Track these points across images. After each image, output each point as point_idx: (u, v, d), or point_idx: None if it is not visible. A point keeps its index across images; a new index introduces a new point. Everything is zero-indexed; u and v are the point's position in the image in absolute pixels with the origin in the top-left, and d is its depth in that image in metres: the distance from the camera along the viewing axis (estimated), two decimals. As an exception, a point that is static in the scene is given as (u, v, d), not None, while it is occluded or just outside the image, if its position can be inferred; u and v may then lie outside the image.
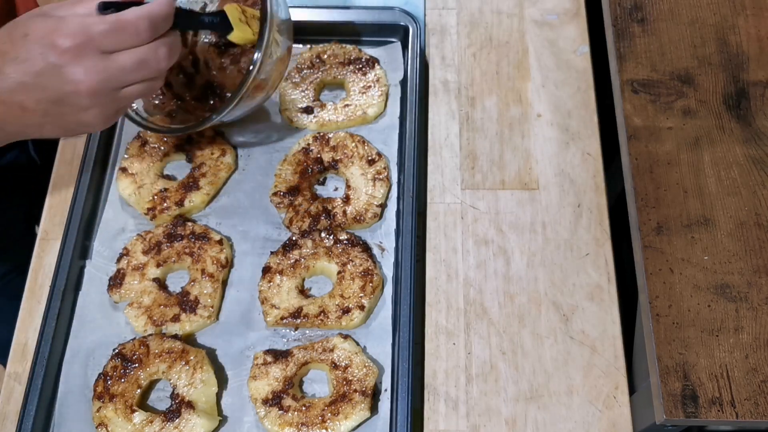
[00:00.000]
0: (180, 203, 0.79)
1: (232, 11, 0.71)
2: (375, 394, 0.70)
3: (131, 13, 0.60)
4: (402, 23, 0.88)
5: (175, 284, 0.78)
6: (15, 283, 0.79)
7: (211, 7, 0.80)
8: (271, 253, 0.77)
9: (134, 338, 0.74)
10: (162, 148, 0.83)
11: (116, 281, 0.76)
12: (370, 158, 0.81)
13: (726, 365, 0.68)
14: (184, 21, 0.68)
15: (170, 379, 0.71)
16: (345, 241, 0.76)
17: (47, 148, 0.91)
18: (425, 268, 0.78)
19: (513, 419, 0.71)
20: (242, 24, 0.71)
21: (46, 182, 0.86)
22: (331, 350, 0.71)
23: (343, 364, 0.70)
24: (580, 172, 0.83)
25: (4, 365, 0.76)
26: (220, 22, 0.71)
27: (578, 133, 0.86)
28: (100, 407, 0.70)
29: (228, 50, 0.80)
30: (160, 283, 0.77)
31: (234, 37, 0.71)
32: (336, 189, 0.82)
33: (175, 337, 0.73)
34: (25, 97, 0.59)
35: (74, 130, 0.64)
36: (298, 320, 0.73)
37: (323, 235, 0.77)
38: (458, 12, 0.94)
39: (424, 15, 0.94)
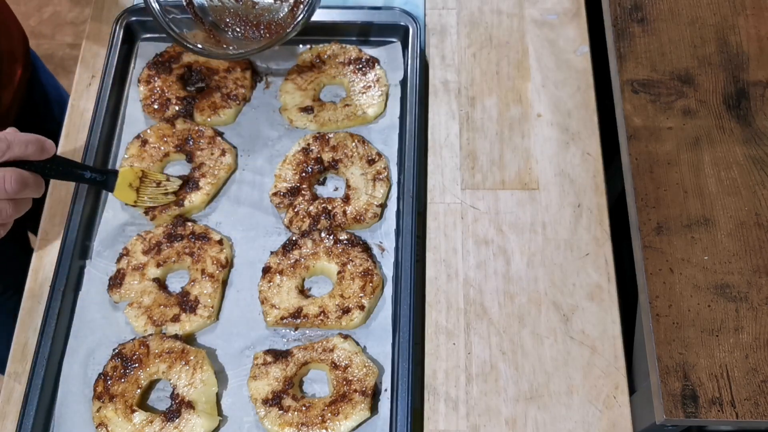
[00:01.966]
0: (180, 203, 0.79)
1: (126, 174, 0.76)
2: (375, 394, 0.70)
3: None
4: (402, 23, 0.88)
5: (175, 284, 0.78)
6: (13, 300, 0.79)
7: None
8: (271, 253, 0.77)
9: (134, 338, 0.74)
10: (162, 148, 0.83)
11: (116, 281, 0.76)
12: (370, 158, 0.81)
13: (726, 365, 0.68)
14: (58, 169, 0.70)
15: (170, 379, 0.71)
16: (345, 241, 0.76)
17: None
18: (425, 268, 0.78)
19: (513, 419, 0.71)
20: (128, 189, 0.76)
21: (45, 182, 0.86)
22: (331, 350, 0.71)
23: (343, 364, 0.70)
24: (580, 172, 0.83)
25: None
26: (102, 180, 0.75)
27: (578, 133, 0.86)
28: (100, 407, 0.70)
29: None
30: (160, 283, 0.77)
31: (116, 195, 0.76)
32: (336, 189, 0.82)
33: (175, 337, 0.73)
34: None
35: None
36: (298, 320, 0.73)
37: (323, 235, 0.77)
38: (458, 12, 0.94)
39: (424, 15, 0.94)
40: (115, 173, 0.76)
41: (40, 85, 1.04)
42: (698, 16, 0.88)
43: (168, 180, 0.79)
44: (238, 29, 0.84)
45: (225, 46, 0.82)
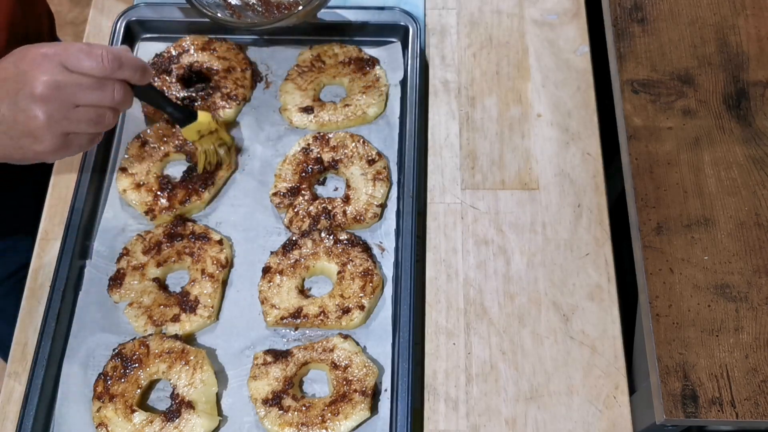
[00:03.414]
0: (180, 203, 0.79)
1: (204, 117, 0.77)
2: (375, 394, 0.70)
3: (101, 46, 0.65)
4: (402, 23, 0.88)
5: (175, 284, 0.78)
6: (23, 283, 0.80)
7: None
8: (271, 253, 0.77)
9: (134, 338, 0.74)
10: (162, 148, 0.83)
11: (116, 281, 0.76)
12: (370, 158, 0.81)
13: (726, 365, 0.68)
14: (149, 94, 0.73)
15: (170, 379, 0.71)
16: (345, 241, 0.76)
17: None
18: (425, 268, 0.78)
19: (513, 419, 0.71)
20: (196, 133, 0.77)
21: (46, 182, 0.86)
22: (331, 350, 0.71)
23: (343, 364, 0.70)
24: (580, 172, 0.83)
25: None
26: (180, 117, 0.76)
27: (578, 133, 0.86)
28: (100, 407, 0.70)
29: None
30: (160, 283, 0.77)
31: (184, 132, 0.77)
32: (336, 189, 0.82)
33: (175, 337, 0.73)
34: None
35: (22, 142, 0.65)
36: (298, 320, 0.73)
37: (323, 235, 0.77)
38: (458, 12, 0.94)
39: (424, 15, 0.94)
40: (195, 116, 0.77)
41: None
42: (698, 16, 0.88)
43: (228, 149, 0.81)
44: (260, 8, 0.86)
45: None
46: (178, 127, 0.78)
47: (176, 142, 0.83)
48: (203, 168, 0.80)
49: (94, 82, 0.65)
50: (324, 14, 0.89)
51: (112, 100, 0.67)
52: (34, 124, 0.64)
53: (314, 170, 0.81)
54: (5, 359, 0.78)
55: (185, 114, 0.76)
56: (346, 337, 0.72)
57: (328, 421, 0.68)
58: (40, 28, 0.95)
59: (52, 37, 0.98)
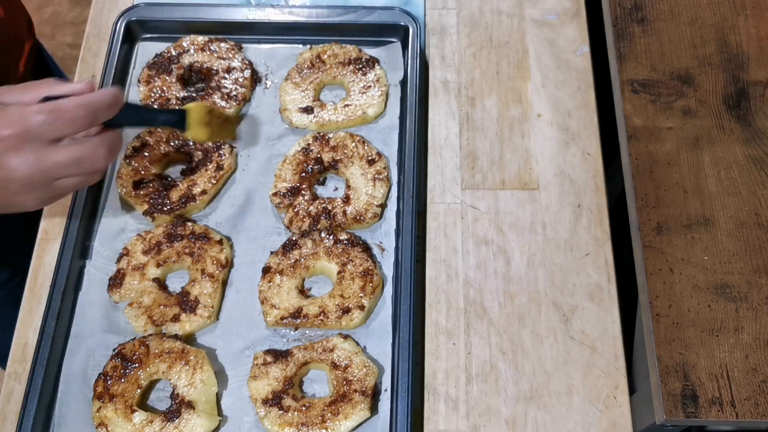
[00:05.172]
0: (180, 203, 0.79)
1: (196, 111, 0.75)
2: (375, 394, 0.70)
3: (70, 101, 0.62)
4: (402, 23, 0.88)
5: (175, 284, 0.78)
6: (22, 288, 0.80)
7: None
8: (271, 253, 0.77)
9: (134, 338, 0.74)
10: (162, 148, 0.83)
11: (116, 281, 0.76)
12: (370, 158, 0.81)
13: (726, 365, 0.68)
14: (132, 117, 0.71)
15: (170, 379, 0.71)
16: (345, 241, 0.76)
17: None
18: (425, 268, 0.78)
19: (513, 419, 0.71)
20: (200, 125, 0.76)
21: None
22: (331, 350, 0.71)
23: (343, 364, 0.70)
24: (580, 172, 0.83)
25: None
26: (175, 121, 0.75)
27: (578, 133, 0.86)
28: (100, 407, 0.70)
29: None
30: (160, 283, 0.77)
31: (189, 135, 0.76)
32: (336, 189, 0.82)
33: (175, 337, 0.73)
34: None
35: (8, 208, 0.66)
36: (298, 320, 0.73)
37: (323, 235, 0.77)
38: (458, 12, 0.94)
39: (424, 15, 0.94)
40: (184, 113, 0.75)
41: (48, 72, 1.06)
42: (698, 16, 0.88)
43: (228, 116, 0.83)
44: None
45: None
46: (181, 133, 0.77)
47: (176, 142, 0.83)
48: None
49: (71, 160, 0.63)
50: (324, 14, 0.89)
51: (93, 169, 0.66)
52: (21, 202, 0.65)
53: (314, 170, 0.81)
54: (3, 366, 0.78)
55: (178, 115, 0.75)
56: (346, 337, 0.72)
57: (328, 421, 0.68)
58: (17, 31, 0.95)
59: (32, 40, 0.98)
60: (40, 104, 0.62)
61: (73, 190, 0.67)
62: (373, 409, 0.70)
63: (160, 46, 0.90)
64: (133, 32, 0.90)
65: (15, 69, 0.93)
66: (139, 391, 0.71)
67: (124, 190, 0.80)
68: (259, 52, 0.90)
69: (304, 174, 0.81)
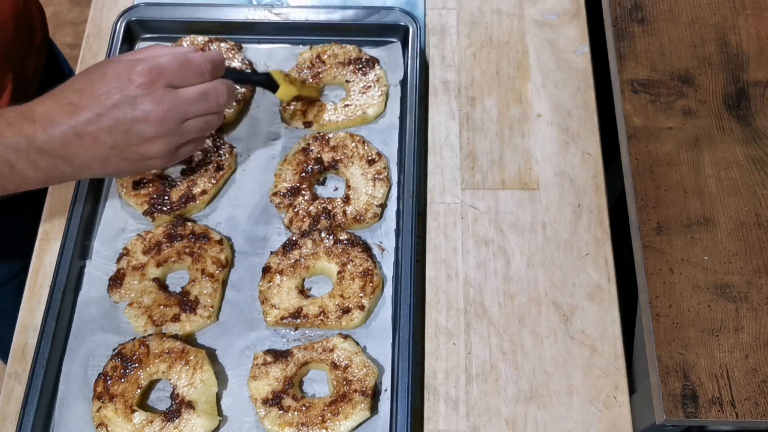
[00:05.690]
0: (180, 203, 0.79)
1: (277, 74, 0.80)
2: (375, 394, 0.70)
3: (198, 55, 0.69)
4: (402, 23, 0.88)
5: (175, 284, 0.78)
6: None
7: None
8: (271, 253, 0.77)
9: (134, 338, 0.74)
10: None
11: (116, 281, 0.76)
12: (370, 158, 0.81)
13: (726, 365, 0.68)
14: (232, 75, 0.77)
15: (170, 379, 0.71)
16: (345, 241, 0.76)
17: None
18: (425, 268, 0.78)
19: (513, 419, 0.71)
20: (287, 84, 0.80)
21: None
22: (331, 350, 0.71)
23: (343, 364, 0.70)
24: (580, 172, 0.83)
25: None
26: (266, 81, 0.80)
27: (578, 133, 0.86)
28: (100, 407, 0.70)
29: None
30: (160, 283, 0.77)
31: (280, 94, 0.80)
32: (336, 189, 0.82)
33: (175, 337, 0.73)
34: (97, 128, 0.65)
35: (137, 163, 0.69)
36: (298, 320, 0.73)
37: (323, 235, 0.77)
38: (458, 12, 0.94)
39: (424, 15, 0.94)
40: (269, 75, 0.80)
41: (58, 62, 1.07)
42: (698, 16, 0.88)
43: (303, 78, 0.86)
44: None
45: None
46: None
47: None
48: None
49: (199, 94, 0.68)
50: (324, 14, 0.89)
51: (218, 106, 0.70)
52: (151, 150, 0.68)
53: (314, 170, 0.81)
54: (5, 360, 0.78)
55: (265, 76, 0.80)
56: (346, 337, 0.72)
57: (328, 421, 0.68)
58: (32, 20, 0.96)
59: (44, 30, 0.99)
60: (172, 55, 0.68)
61: (199, 135, 0.71)
62: (373, 409, 0.70)
63: (160, 46, 0.90)
64: (133, 32, 0.90)
65: (29, 59, 0.94)
66: (139, 391, 0.71)
67: (124, 190, 0.80)
68: (259, 52, 0.90)
69: (304, 174, 0.81)
